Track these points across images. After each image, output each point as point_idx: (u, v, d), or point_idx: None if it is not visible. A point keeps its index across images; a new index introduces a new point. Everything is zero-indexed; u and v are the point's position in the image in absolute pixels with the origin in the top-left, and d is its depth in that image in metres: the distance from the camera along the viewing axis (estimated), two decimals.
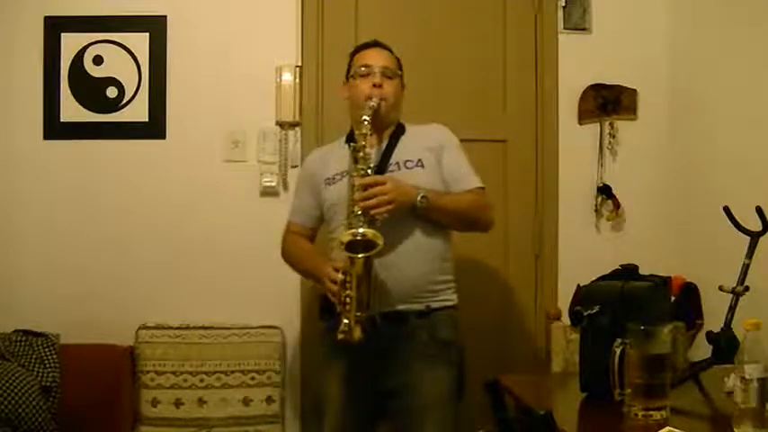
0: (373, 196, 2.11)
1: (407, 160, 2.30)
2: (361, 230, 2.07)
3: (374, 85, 2.30)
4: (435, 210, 2.22)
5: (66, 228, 3.03)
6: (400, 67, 2.40)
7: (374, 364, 2.22)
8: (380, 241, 2.05)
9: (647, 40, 3.12)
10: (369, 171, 2.17)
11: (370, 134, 2.21)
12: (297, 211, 2.49)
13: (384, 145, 2.34)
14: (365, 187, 2.12)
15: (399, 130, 2.38)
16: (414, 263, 2.23)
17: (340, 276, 2.10)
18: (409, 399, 2.22)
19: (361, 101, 2.29)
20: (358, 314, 2.07)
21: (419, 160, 2.30)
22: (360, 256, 2.06)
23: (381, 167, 2.27)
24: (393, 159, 2.31)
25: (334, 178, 2.34)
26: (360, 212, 2.11)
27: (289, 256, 2.47)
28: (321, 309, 2.30)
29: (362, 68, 2.34)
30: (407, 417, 2.24)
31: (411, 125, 2.42)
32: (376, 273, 2.14)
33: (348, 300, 2.08)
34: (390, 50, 2.41)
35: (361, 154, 2.18)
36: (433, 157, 2.32)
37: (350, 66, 2.41)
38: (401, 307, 2.22)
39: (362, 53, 2.39)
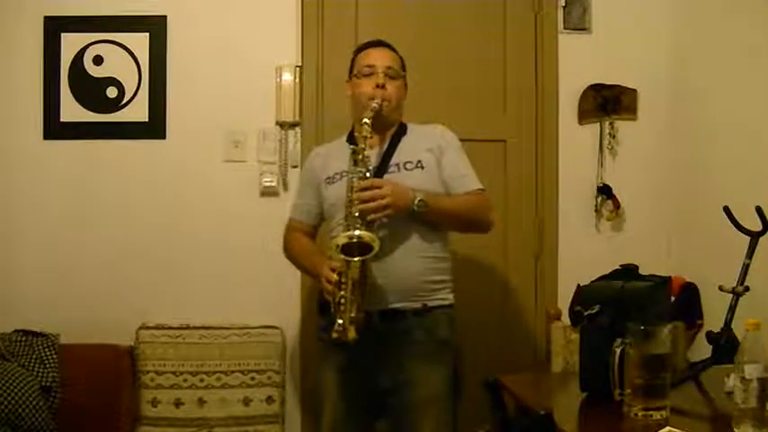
0: (371, 199, 2.12)
1: (407, 162, 2.30)
2: (357, 233, 2.08)
3: (377, 86, 2.30)
4: (433, 213, 2.21)
5: (66, 228, 3.02)
6: (404, 67, 2.40)
7: (371, 362, 2.22)
8: (376, 245, 2.07)
9: (647, 40, 3.12)
10: (368, 174, 2.17)
11: (370, 136, 2.21)
12: (298, 209, 2.50)
13: (385, 146, 2.34)
14: (363, 190, 2.13)
15: (401, 131, 2.38)
16: (409, 262, 2.23)
17: (335, 277, 2.12)
18: (405, 396, 2.22)
19: (363, 101, 2.29)
20: (352, 315, 2.09)
21: (419, 162, 2.30)
22: (355, 259, 2.07)
23: (381, 169, 2.27)
24: (393, 161, 2.31)
25: (333, 177, 2.34)
26: (357, 214, 2.12)
27: (290, 254, 2.49)
28: (320, 305, 2.31)
29: (366, 68, 2.33)
30: (403, 414, 2.24)
31: (413, 125, 2.41)
32: (372, 272, 2.15)
33: (343, 300, 2.09)
34: (395, 50, 2.40)
35: (360, 156, 2.18)
36: (433, 159, 2.31)
37: (353, 64, 2.41)
38: (398, 305, 2.22)
39: (366, 52, 2.38)
